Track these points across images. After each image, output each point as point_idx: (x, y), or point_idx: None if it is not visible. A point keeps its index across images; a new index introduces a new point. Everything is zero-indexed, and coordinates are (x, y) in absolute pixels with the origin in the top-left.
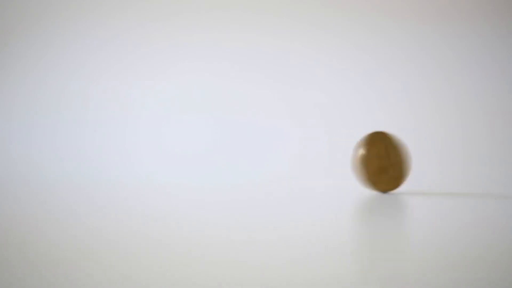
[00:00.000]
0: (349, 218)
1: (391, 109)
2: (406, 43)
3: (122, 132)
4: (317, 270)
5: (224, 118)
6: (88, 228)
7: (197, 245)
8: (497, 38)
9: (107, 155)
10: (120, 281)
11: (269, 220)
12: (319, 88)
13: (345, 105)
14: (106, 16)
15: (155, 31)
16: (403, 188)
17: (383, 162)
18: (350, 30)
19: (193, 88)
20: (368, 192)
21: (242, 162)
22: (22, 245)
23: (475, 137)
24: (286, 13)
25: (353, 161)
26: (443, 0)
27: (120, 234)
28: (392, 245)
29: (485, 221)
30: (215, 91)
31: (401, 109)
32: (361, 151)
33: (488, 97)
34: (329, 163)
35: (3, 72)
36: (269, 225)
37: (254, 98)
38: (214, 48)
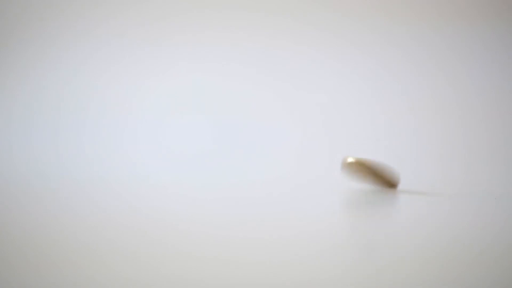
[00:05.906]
0: (350, 218)
1: (391, 109)
2: (410, 45)
3: (122, 132)
4: (316, 270)
5: (223, 118)
6: (88, 227)
7: (197, 245)
8: (498, 38)
9: (107, 155)
10: (120, 281)
11: (269, 220)
12: (321, 88)
13: (346, 106)
14: (106, 16)
15: (155, 31)
16: (403, 187)
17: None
18: (354, 31)
19: (193, 88)
20: (369, 193)
21: (242, 162)
22: (22, 245)
23: (476, 137)
24: (286, 13)
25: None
26: (454, 4)
27: (120, 233)
28: (391, 245)
29: (485, 221)
30: (215, 91)
31: (402, 109)
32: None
33: (490, 98)
34: (330, 163)
35: (3, 72)
36: (269, 224)
37: (254, 98)
38: (214, 48)
